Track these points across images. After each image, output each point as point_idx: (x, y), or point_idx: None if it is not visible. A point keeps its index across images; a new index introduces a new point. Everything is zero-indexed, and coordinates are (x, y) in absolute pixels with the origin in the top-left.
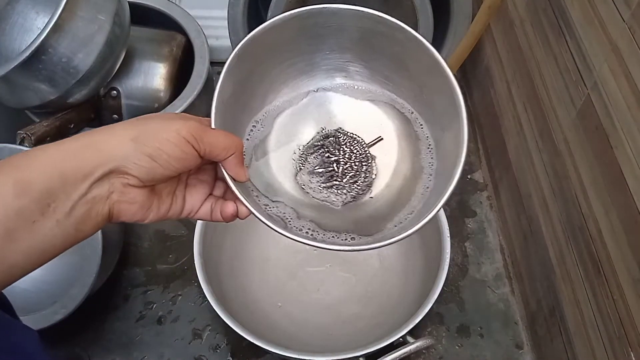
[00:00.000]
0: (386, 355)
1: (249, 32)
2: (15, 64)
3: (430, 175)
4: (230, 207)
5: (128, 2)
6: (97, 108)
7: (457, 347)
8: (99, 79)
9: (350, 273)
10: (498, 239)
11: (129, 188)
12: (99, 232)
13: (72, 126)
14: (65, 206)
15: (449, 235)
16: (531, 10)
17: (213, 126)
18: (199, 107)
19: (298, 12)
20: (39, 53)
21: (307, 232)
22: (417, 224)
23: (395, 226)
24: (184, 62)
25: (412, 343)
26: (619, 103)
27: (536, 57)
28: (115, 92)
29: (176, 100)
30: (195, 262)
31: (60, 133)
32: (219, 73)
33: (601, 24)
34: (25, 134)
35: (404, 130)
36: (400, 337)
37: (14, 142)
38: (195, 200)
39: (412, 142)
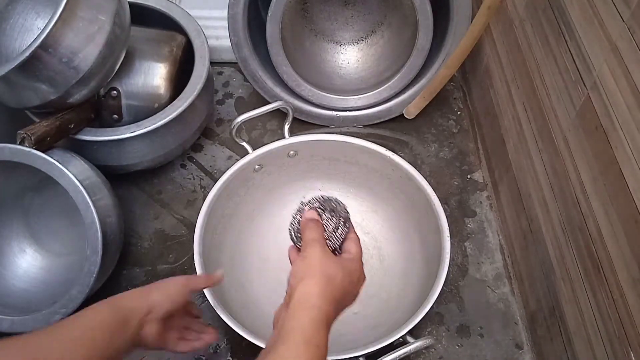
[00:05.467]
0: (386, 355)
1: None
2: (16, 64)
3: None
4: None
5: (128, 2)
6: (97, 108)
7: (457, 347)
8: (99, 79)
9: None
10: (498, 238)
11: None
12: (99, 232)
13: (72, 126)
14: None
15: (449, 235)
16: (531, 10)
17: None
18: (199, 107)
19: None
20: (39, 53)
21: None
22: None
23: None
24: (184, 62)
25: (412, 343)
26: (618, 103)
27: (536, 57)
28: (115, 92)
29: (176, 100)
30: (195, 262)
31: (60, 133)
32: (220, 73)
33: (601, 24)
34: (26, 134)
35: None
36: (400, 337)
37: (14, 142)
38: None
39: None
